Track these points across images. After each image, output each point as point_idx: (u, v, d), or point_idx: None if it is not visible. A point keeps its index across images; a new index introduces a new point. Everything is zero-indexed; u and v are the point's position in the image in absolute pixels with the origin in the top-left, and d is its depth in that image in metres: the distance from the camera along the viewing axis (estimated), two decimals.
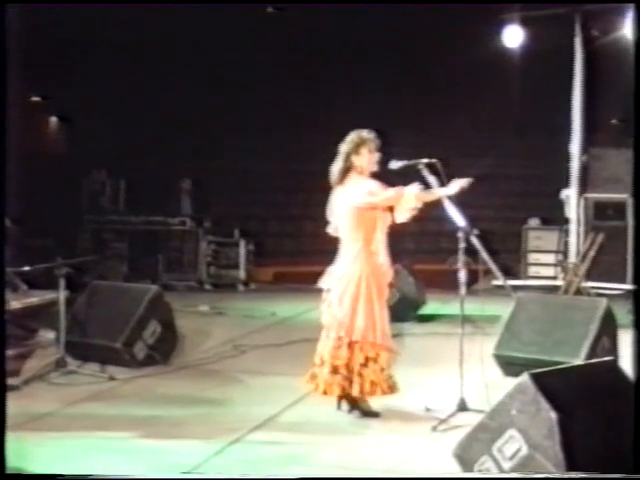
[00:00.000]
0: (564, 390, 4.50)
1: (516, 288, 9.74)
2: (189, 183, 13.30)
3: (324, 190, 6.31)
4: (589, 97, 11.89)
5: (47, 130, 13.48)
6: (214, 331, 9.14)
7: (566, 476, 4.18)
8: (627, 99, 5.22)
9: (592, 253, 11.37)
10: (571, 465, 4.19)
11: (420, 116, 12.88)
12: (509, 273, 11.65)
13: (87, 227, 12.91)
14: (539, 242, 12.62)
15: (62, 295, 7.42)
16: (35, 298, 8.62)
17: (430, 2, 10.50)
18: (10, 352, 7.02)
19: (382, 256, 6.18)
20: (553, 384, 4.46)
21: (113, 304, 7.92)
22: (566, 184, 12.03)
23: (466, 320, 6.29)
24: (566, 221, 12.10)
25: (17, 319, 8.11)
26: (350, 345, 6.09)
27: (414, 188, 6.03)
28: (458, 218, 6.11)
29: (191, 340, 8.46)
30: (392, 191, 6.07)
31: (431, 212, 6.18)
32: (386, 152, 6.27)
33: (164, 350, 7.86)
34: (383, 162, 6.21)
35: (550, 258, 12.47)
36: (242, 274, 12.74)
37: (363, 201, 6.07)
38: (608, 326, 7.23)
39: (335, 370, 6.11)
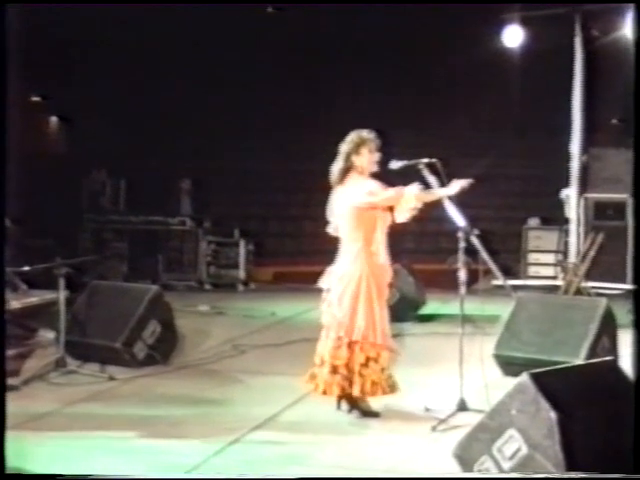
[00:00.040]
0: (564, 390, 4.50)
1: (516, 288, 9.74)
2: (189, 183, 13.31)
3: (324, 190, 6.31)
4: (589, 97, 11.89)
5: (47, 130, 13.49)
6: (214, 331, 9.14)
7: (566, 476, 4.18)
8: (627, 99, 5.22)
9: (592, 253, 11.37)
10: (571, 465, 4.19)
11: (420, 116, 12.88)
12: (509, 273, 11.64)
13: (87, 227, 12.91)
14: (539, 242, 12.62)
15: (62, 295, 7.42)
16: (35, 298, 8.61)
17: (430, 2, 10.50)
18: (10, 352, 7.02)
19: (382, 256, 6.18)
20: (553, 384, 4.46)
21: (113, 304, 7.92)
22: (566, 184, 12.03)
23: (466, 320, 6.29)
24: (566, 221, 12.09)
25: (17, 319, 8.10)
26: (350, 345, 6.09)
27: (414, 188, 6.03)
28: (458, 218, 6.12)
29: (191, 340, 8.45)
30: (392, 191, 6.07)
31: (431, 212, 6.18)
32: (386, 152, 6.27)
33: (164, 350, 7.86)
34: (383, 162, 6.20)
35: (550, 258, 12.47)
36: (242, 274, 12.74)
37: (363, 201, 6.07)
38: (608, 326, 7.23)
39: (335, 370, 6.11)
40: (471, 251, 6.31)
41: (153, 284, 9.08)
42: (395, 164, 6.17)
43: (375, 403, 6.25)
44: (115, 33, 11.47)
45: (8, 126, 4.61)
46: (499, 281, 9.59)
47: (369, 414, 6.20)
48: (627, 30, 10.63)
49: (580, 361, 6.53)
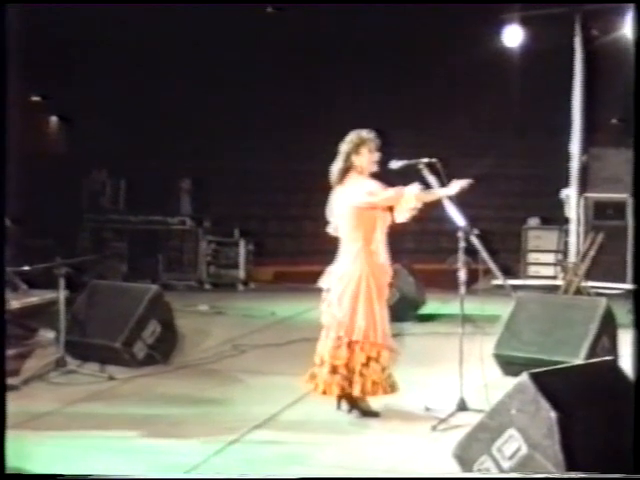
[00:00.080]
0: (564, 390, 4.50)
1: (516, 288, 9.75)
2: (189, 183, 13.30)
3: (324, 190, 6.31)
4: (589, 97, 11.90)
5: (47, 130, 13.49)
6: (214, 331, 9.14)
7: (566, 476, 4.18)
8: (627, 99, 5.22)
9: (592, 253, 11.37)
10: (571, 465, 4.19)
11: (420, 116, 12.87)
12: (509, 273, 11.65)
13: (87, 227, 12.92)
14: (539, 242, 12.62)
15: (62, 295, 7.42)
16: (35, 298, 8.62)
17: (430, 2, 10.50)
18: (10, 352, 7.03)
19: (382, 256, 6.18)
20: (553, 384, 4.46)
21: (113, 304, 7.92)
22: (566, 184, 12.04)
23: (466, 320, 6.29)
24: (566, 221, 12.10)
25: (17, 319, 8.11)
26: (350, 345, 6.09)
27: (414, 188, 6.03)
28: (458, 218, 6.12)
29: (191, 340, 8.46)
30: (392, 191, 6.07)
31: (431, 212, 6.18)
32: (386, 152, 6.27)
33: (164, 350, 7.86)
34: (383, 162, 6.20)
35: (550, 258, 12.47)
36: (242, 274, 12.74)
37: (363, 201, 6.08)
38: (608, 326, 7.23)
39: (334, 370, 6.11)
40: (471, 251, 6.32)
41: (153, 284, 9.07)
42: (395, 164, 6.17)
43: (375, 403, 6.26)
44: (115, 33, 11.47)
45: (8, 126, 4.61)
46: (499, 281, 9.61)
47: (369, 414, 6.20)
48: (627, 30, 10.64)
49: (580, 361, 6.53)
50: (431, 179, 6.13)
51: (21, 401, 6.24)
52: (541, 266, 12.51)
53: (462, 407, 6.09)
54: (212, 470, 5.09)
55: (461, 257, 6.15)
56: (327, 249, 6.36)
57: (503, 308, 7.75)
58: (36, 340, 8.36)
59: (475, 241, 6.30)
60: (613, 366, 5.05)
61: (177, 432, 5.81)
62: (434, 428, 5.86)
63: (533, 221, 12.79)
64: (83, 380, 7.16)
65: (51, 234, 11.45)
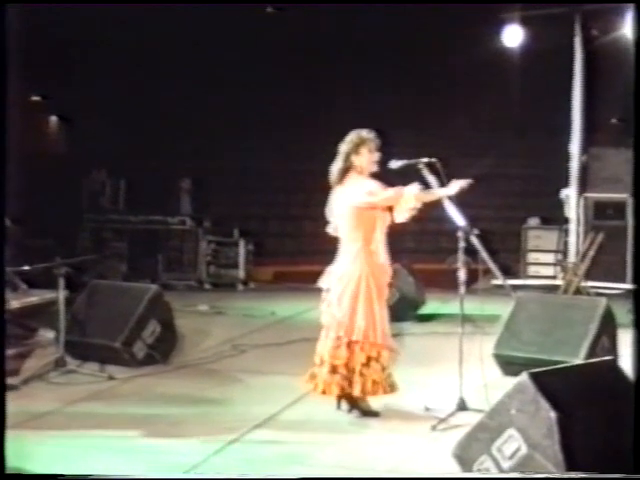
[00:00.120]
0: (564, 390, 4.50)
1: (516, 287, 9.75)
2: (189, 183, 13.31)
3: (324, 190, 6.31)
4: (589, 97, 11.90)
5: (47, 130, 13.48)
6: (213, 330, 9.15)
7: (566, 476, 4.18)
8: (627, 99, 5.22)
9: (592, 253, 11.37)
10: (571, 465, 4.19)
11: (420, 116, 12.87)
12: (509, 272, 11.65)
13: (87, 227, 12.92)
14: (539, 241, 12.62)
15: (62, 294, 7.43)
16: (35, 297, 8.62)
17: (430, 2, 10.49)
18: (10, 351, 7.03)
19: (382, 256, 6.18)
20: (552, 384, 4.46)
21: (113, 303, 7.92)
22: (566, 184, 12.04)
23: (466, 320, 6.29)
24: (566, 221, 12.10)
25: (17, 318, 8.11)
26: (349, 345, 6.10)
27: (414, 188, 6.03)
28: (458, 218, 6.12)
29: (190, 339, 8.46)
30: (391, 191, 6.07)
31: (431, 212, 6.18)
32: (386, 152, 6.27)
33: (163, 349, 7.86)
34: (383, 162, 6.21)
35: (550, 257, 12.47)
36: (242, 274, 12.74)
37: (363, 201, 6.08)
38: (608, 326, 7.23)
39: (334, 370, 6.12)
40: (471, 251, 6.32)
41: (153, 284, 9.07)
42: (395, 164, 6.17)
43: (375, 403, 6.26)
44: (115, 33, 11.47)
45: (8, 126, 4.61)
46: (499, 281, 9.62)
47: (369, 414, 6.20)
48: (627, 30, 10.64)
49: (580, 361, 6.54)
50: (431, 179, 6.13)
51: (21, 401, 6.24)
52: (541, 266, 12.51)
53: (462, 407, 6.09)
54: (212, 470, 5.09)
55: (461, 257, 6.15)
56: (327, 249, 6.37)
57: (503, 308, 7.75)
58: (36, 340, 8.36)
59: (475, 241, 6.31)
60: (613, 366, 5.05)
61: (177, 432, 5.82)
62: (434, 428, 5.86)
63: (533, 221, 12.79)
64: (83, 380, 7.16)
65: (51, 234, 11.45)
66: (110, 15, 10.76)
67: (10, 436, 4.40)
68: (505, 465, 4.44)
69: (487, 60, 11.51)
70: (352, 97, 12.65)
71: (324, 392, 6.17)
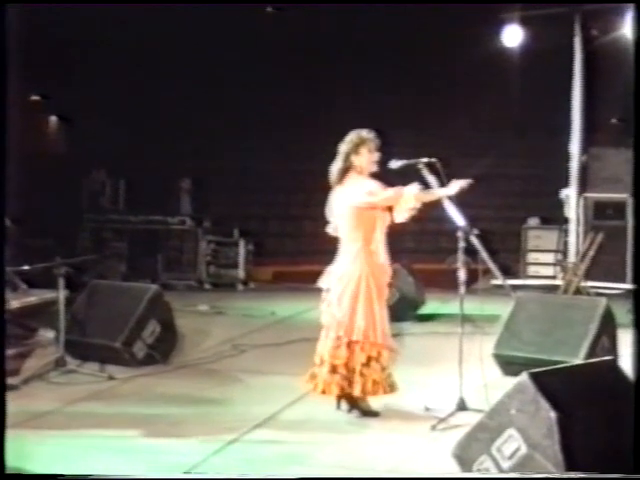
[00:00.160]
0: (563, 390, 4.50)
1: (515, 287, 9.76)
2: (189, 183, 13.31)
3: (324, 190, 6.31)
4: (589, 97, 11.90)
5: (47, 130, 13.48)
6: (213, 330, 9.15)
7: (566, 476, 4.18)
8: (627, 99, 5.22)
9: (592, 253, 11.37)
10: (570, 465, 4.19)
11: (420, 116, 12.87)
12: (508, 272, 11.66)
13: (87, 227, 12.93)
14: (539, 241, 12.62)
15: (61, 294, 7.43)
16: (35, 297, 8.62)
17: (430, 2, 10.50)
18: (10, 351, 7.03)
19: (382, 256, 6.18)
20: (552, 384, 4.46)
21: (112, 303, 7.92)
22: (566, 184, 12.04)
23: (465, 319, 6.29)
24: (566, 221, 12.10)
25: (17, 318, 8.11)
26: (349, 345, 6.10)
27: (413, 188, 6.03)
28: (458, 218, 6.12)
29: (190, 339, 8.46)
30: (391, 191, 6.08)
31: (431, 212, 6.18)
32: (386, 152, 6.27)
33: (163, 349, 7.86)
34: (383, 162, 6.21)
35: (549, 257, 12.48)
36: (241, 274, 12.74)
37: (362, 201, 6.08)
38: (607, 326, 7.23)
39: (334, 370, 6.12)
40: (471, 251, 6.32)
41: (153, 283, 9.06)
42: (395, 164, 6.17)
43: (375, 402, 6.26)
44: (115, 33, 11.47)
45: (8, 126, 4.61)
46: (499, 281, 9.63)
47: (369, 413, 6.20)
48: (627, 30, 10.64)
49: (579, 361, 6.54)
50: (431, 179, 6.13)
51: (21, 401, 6.25)
52: (541, 266, 12.51)
53: (462, 407, 6.09)
54: (212, 470, 5.09)
55: (461, 257, 6.15)
56: (327, 249, 6.37)
57: (503, 308, 7.75)
58: (36, 340, 8.36)
59: (475, 241, 6.31)
60: (613, 366, 5.05)
61: (177, 432, 5.82)
62: (434, 428, 5.86)
63: (533, 221, 12.79)
64: (83, 380, 7.16)
65: (51, 234, 11.45)
66: (110, 15, 10.76)
67: (10, 436, 4.40)
68: (505, 465, 4.44)
69: (487, 60, 11.51)
70: (352, 97, 12.64)
71: (324, 392, 6.18)
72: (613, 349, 7.14)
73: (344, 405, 6.25)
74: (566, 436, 4.23)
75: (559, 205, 12.15)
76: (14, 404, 5.11)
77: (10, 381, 6.45)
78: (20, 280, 8.73)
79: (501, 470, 4.45)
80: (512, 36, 11.61)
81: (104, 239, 12.82)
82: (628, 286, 10.95)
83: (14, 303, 8.09)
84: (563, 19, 11.41)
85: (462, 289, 6.18)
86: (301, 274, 11.17)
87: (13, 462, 4.50)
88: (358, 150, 6.15)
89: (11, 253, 6.87)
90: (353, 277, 6.08)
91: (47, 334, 8.30)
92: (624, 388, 4.70)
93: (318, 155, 6.78)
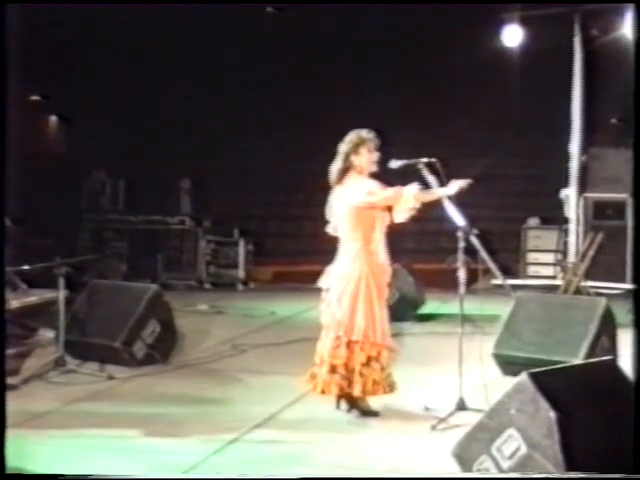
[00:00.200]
0: (563, 389, 4.50)
1: (515, 287, 9.76)
2: (188, 182, 13.31)
3: (324, 190, 6.31)
4: (588, 97, 11.90)
5: (47, 130, 13.48)
6: (213, 330, 9.15)
7: (565, 476, 4.18)
8: (627, 99, 5.22)
9: (591, 252, 11.38)
10: (570, 465, 4.19)
11: (420, 116, 12.87)
12: (508, 272, 11.66)
13: (87, 226, 12.93)
14: (538, 241, 12.62)
15: (61, 294, 7.43)
16: (34, 297, 8.62)
17: (430, 2, 10.50)
18: (10, 351, 7.03)
19: (381, 256, 6.18)
20: (552, 383, 4.46)
21: (112, 303, 7.92)
22: (565, 184, 12.04)
23: (465, 319, 6.29)
24: (565, 221, 12.10)
25: (16, 318, 8.11)
26: (349, 345, 6.10)
27: (413, 188, 6.03)
28: (457, 218, 6.12)
29: (190, 339, 8.46)
30: (391, 191, 6.08)
31: (431, 212, 6.19)
32: (386, 152, 6.28)
33: (163, 349, 7.86)
34: (383, 162, 6.21)
35: (549, 257, 12.48)
36: (241, 273, 12.75)
37: (362, 201, 6.08)
38: (607, 325, 7.23)
39: (333, 369, 6.12)
40: (470, 251, 6.32)
41: (152, 283, 9.07)
42: (394, 163, 6.17)
43: (374, 402, 6.26)
44: (115, 33, 11.47)
45: (8, 126, 4.61)
46: (498, 280, 9.63)
47: (368, 413, 6.20)
48: (627, 30, 10.63)
49: (579, 361, 6.54)
50: (430, 179, 6.13)
51: (21, 400, 6.24)
52: (540, 266, 12.51)
53: (461, 407, 6.09)
54: (212, 470, 5.09)
55: (461, 257, 6.15)
56: (327, 249, 6.37)
57: (502, 308, 7.75)
58: (36, 339, 8.37)
59: (475, 241, 6.31)
60: (613, 366, 5.05)
61: (177, 432, 5.82)
62: (433, 428, 5.86)
63: (533, 221, 12.79)
64: (82, 379, 7.16)
65: (51, 234, 11.44)
66: (110, 15, 10.76)
67: (10, 436, 4.40)
68: (505, 465, 4.44)
69: (487, 60, 11.51)
70: (352, 97, 12.64)
71: (323, 392, 6.18)
72: (613, 349, 7.14)
73: (343, 405, 6.25)
74: (566, 436, 4.23)
75: (559, 205, 12.15)
76: (14, 404, 5.11)
77: (10, 381, 6.45)
78: (20, 280, 8.74)
79: (501, 470, 4.45)
80: (512, 36, 11.61)
81: (104, 239, 12.83)
82: (628, 286, 10.95)
83: (14, 303, 8.10)
84: (563, 19, 11.41)
85: (462, 289, 6.18)
86: (301, 274, 11.17)
87: (13, 462, 4.50)
88: (358, 150, 6.15)
89: (11, 253, 6.87)
90: (353, 277, 6.08)
91: (47, 334, 8.30)
92: (624, 388, 4.70)
93: (318, 155, 6.78)
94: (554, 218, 12.42)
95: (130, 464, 5.17)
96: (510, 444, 4.44)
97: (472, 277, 6.53)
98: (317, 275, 6.33)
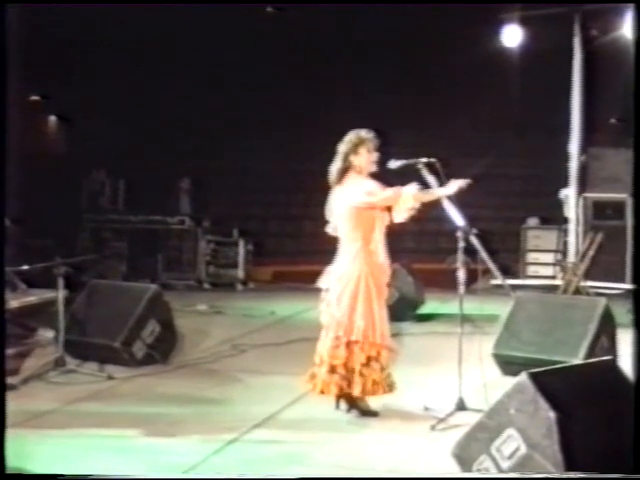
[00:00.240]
0: (563, 389, 4.50)
1: (515, 287, 9.77)
2: (188, 182, 13.32)
3: (324, 190, 6.31)
4: (588, 97, 11.90)
5: (47, 130, 13.48)
6: (213, 330, 9.15)
7: (565, 476, 4.18)
8: (626, 99, 5.23)
9: (591, 252, 11.38)
10: (570, 465, 4.19)
11: (420, 116, 12.88)
12: (508, 272, 11.66)
13: (86, 226, 12.93)
14: (538, 241, 12.63)
15: (61, 294, 7.43)
16: (34, 297, 8.62)
17: (430, 2, 10.50)
18: (9, 351, 7.03)
19: (381, 256, 6.19)
20: (552, 383, 4.47)
21: (112, 303, 7.92)
22: (565, 184, 12.04)
23: (465, 319, 6.29)
24: (565, 221, 12.10)
25: (16, 318, 8.10)
26: (348, 345, 6.10)
27: (412, 188, 6.03)
28: (457, 218, 6.12)
29: (190, 339, 8.46)
30: (390, 191, 6.08)
31: (430, 212, 6.19)
32: (386, 152, 6.28)
33: (163, 349, 7.86)
34: (382, 162, 6.21)
35: (549, 257, 12.48)
36: (241, 273, 12.75)
37: (361, 201, 6.08)
38: (607, 325, 7.24)
39: (333, 369, 6.12)
40: (470, 251, 6.32)
41: (152, 283, 9.07)
42: (394, 163, 6.18)
43: (374, 402, 6.26)
44: (115, 33, 11.47)
45: (8, 126, 4.61)
46: (498, 280, 9.64)
47: (368, 413, 6.20)
48: (627, 30, 10.63)
49: (579, 361, 6.54)
50: (430, 179, 6.13)
51: (20, 400, 6.24)
52: (540, 266, 12.51)
53: (461, 407, 6.09)
54: (211, 470, 5.09)
55: (460, 257, 6.15)
56: (326, 249, 6.37)
57: (502, 308, 7.75)
58: (35, 339, 8.36)
59: (474, 241, 6.31)
60: (612, 366, 5.05)
61: (176, 431, 5.82)
62: (433, 428, 5.86)
63: (532, 221, 12.79)
64: (82, 379, 7.16)
65: (51, 234, 11.44)
66: (110, 15, 10.76)
67: (10, 436, 4.40)
68: (504, 465, 4.45)
69: (487, 60, 11.51)
70: (352, 97, 12.65)
71: (322, 392, 6.18)
72: (612, 349, 7.14)
73: (343, 405, 6.25)
74: (565, 436, 4.23)
75: (558, 205, 12.14)
76: (14, 404, 5.11)
77: (10, 381, 6.46)
78: (20, 280, 8.73)
79: (500, 470, 4.45)
80: (512, 36, 11.61)
81: (104, 239, 12.83)
82: (628, 286, 10.95)
83: (14, 303, 8.09)
84: (563, 19, 11.41)
85: (462, 289, 6.19)
86: (301, 274, 11.16)
87: (13, 462, 4.50)
88: (357, 150, 6.15)
89: (11, 253, 6.87)
90: (352, 277, 6.09)
91: (47, 334, 8.30)
92: (624, 388, 4.70)
93: (318, 155, 6.77)
94: (554, 218, 12.42)
95: (130, 464, 5.17)
96: (510, 444, 4.44)
97: (472, 277, 6.51)
98: (317, 275, 6.33)
